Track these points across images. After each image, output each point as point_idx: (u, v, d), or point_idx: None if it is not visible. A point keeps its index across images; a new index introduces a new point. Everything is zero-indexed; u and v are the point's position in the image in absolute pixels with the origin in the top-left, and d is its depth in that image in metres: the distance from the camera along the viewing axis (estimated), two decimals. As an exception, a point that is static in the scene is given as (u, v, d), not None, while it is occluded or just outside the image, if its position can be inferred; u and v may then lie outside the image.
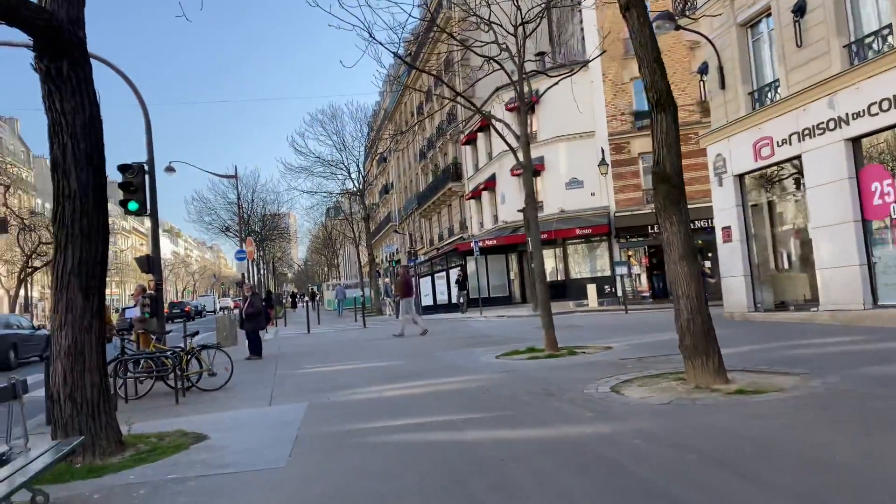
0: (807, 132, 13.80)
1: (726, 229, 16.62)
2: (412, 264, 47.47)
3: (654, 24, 13.60)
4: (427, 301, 31.75)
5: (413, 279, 26.43)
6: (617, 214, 29.29)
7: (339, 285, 57.26)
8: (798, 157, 14.22)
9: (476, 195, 36.39)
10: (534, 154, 31.96)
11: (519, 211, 29.89)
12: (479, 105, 36.00)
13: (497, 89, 31.43)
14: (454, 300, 32.41)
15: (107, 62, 13.55)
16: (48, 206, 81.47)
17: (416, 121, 26.65)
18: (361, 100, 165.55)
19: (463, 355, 13.68)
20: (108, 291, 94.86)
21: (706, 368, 8.06)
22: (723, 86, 16.44)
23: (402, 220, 59.23)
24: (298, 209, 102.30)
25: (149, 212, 13.54)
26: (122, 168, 13.27)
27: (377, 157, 63.64)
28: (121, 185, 13.27)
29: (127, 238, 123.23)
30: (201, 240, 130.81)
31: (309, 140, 76.19)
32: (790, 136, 14.27)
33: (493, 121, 14.22)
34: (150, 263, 13.33)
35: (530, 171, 13.71)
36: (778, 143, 14.68)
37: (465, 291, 32.08)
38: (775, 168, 15.53)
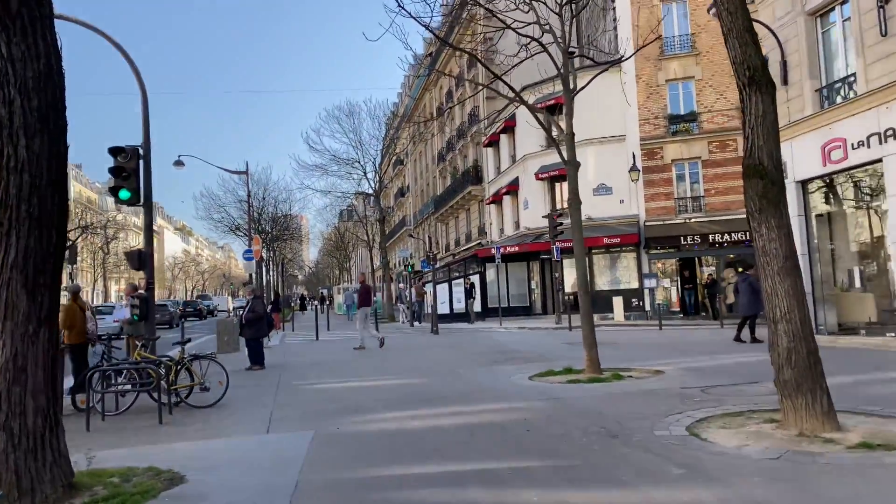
0: (890, 133, 12.12)
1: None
2: (428, 269, 45.91)
3: (710, 11, 12.02)
4: (443, 309, 30.13)
5: (371, 288, 24.75)
6: (647, 224, 27.60)
7: (348, 289, 55.89)
8: (878, 161, 12.54)
9: (497, 199, 34.79)
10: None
11: (544, 217, 28.29)
12: (505, 103, 34.51)
13: (524, 88, 29.80)
14: (474, 308, 30.78)
15: (101, 32, 12.11)
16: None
17: (448, 107, 24.78)
18: (381, 95, 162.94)
19: (490, 374, 12.08)
20: (113, 288, 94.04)
21: (811, 410, 6.41)
22: (785, 82, 14.77)
23: (417, 224, 57.69)
24: (311, 209, 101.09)
25: (142, 201, 12.05)
26: (114, 151, 11.79)
27: (394, 160, 62.26)
28: (112, 171, 11.80)
29: (138, 235, 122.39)
30: (213, 239, 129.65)
31: (324, 137, 74.34)
32: (868, 137, 12.60)
33: (533, 112, 12.62)
34: (142, 259, 11.84)
35: (575, 167, 12.11)
36: (853, 145, 13.01)
37: (472, 300, 30.47)
38: (847, 174, 13.85)
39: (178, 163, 30.83)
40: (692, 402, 8.21)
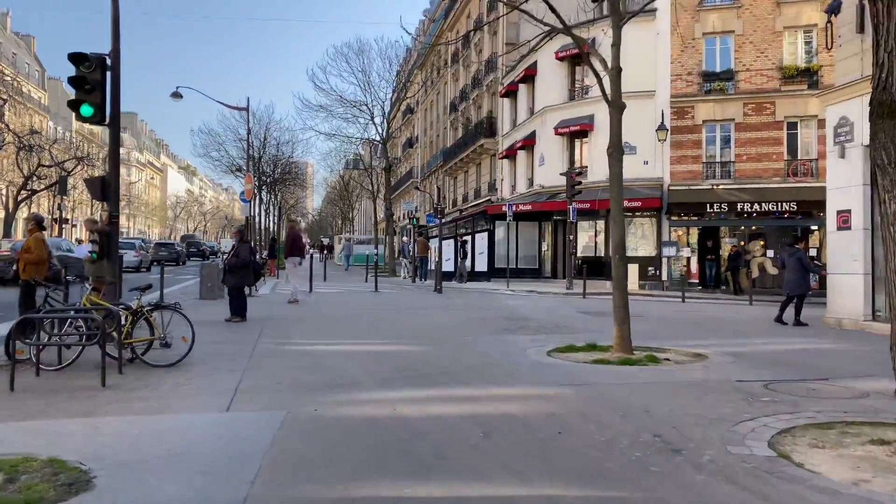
0: None
1: (843, 213, 13.11)
2: (434, 223, 44.18)
3: None
4: (448, 266, 28.45)
5: (303, 237, 22.88)
6: (671, 188, 25.72)
7: (350, 239, 54.33)
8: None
9: (510, 154, 32.82)
10: (583, 111, 28.37)
11: (561, 175, 26.42)
12: (524, 53, 32.27)
13: (547, 34, 27.59)
14: (478, 268, 29.14)
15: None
16: (60, 129, 78.68)
17: (476, 26, 22.49)
18: (394, 33, 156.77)
19: (502, 345, 10.45)
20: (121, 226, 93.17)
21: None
22: (861, 29, 12.76)
23: (424, 176, 55.72)
24: (315, 154, 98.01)
25: (108, 120, 10.26)
26: (76, 58, 9.96)
27: (403, 108, 59.88)
28: (72, 81, 9.99)
29: (141, 171, 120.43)
30: (218, 181, 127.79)
31: (331, 76, 70.76)
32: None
33: (574, 37, 10.68)
34: (105, 188, 10.12)
35: (620, 109, 10.29)
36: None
37: (464, 259, 28.86)
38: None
39: (176, 94, 28.84)
40: (760, 404, 6.56)
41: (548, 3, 10.07)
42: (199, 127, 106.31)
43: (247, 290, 16.11)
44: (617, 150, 10.28)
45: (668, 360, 9.32)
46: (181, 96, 28.73)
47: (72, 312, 8.43)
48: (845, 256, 12.97)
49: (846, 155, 13.01)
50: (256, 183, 35.21)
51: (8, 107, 43.04)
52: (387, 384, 7.39)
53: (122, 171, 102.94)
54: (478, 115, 39.67)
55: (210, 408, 6.41)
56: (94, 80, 10.03)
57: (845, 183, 13.10)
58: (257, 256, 17.81)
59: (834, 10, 13.36)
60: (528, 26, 33.19)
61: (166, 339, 8.53)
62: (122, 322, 8.30)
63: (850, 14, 12.92)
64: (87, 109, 10.05)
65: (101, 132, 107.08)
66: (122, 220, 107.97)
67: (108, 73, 10.23)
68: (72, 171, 54.72)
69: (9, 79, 46.25)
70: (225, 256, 14.36)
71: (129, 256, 32.34)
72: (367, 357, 9.29)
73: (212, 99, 34.55)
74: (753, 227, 25.76)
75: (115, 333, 8.12)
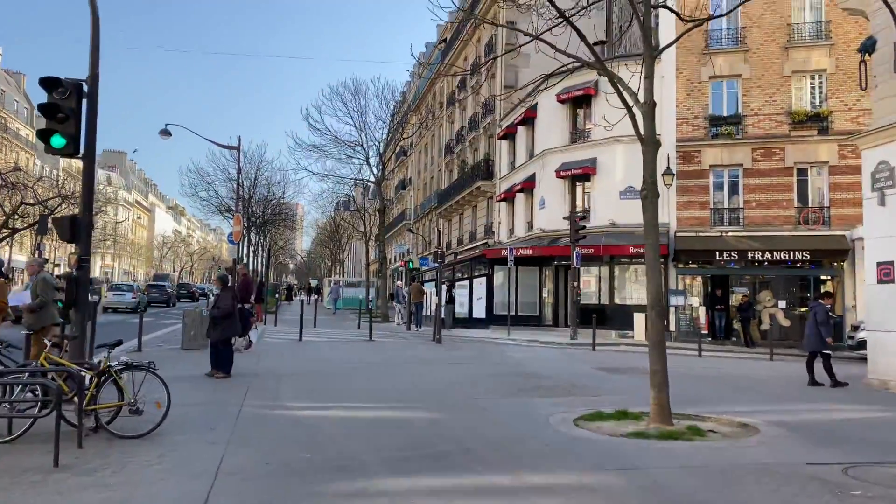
0: None
1: (885, 266, 12.11)
2: (428, 266, 43.07)
3: None
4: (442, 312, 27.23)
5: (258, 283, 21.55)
6: (678, 234, 24.79)
7: (336, 283, 53.21)
8: None
9: (509, 197, 31.92)
10: (585, 154, 27.57)
11: (564, 218, 25.51)
12: (523, 96, 31.64)
13: (548, 75, 26.98)
14: (475, 314, 27.94)
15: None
16: (47, 167, 77.58)
17: (487, 60, 21.74)
18: (390, 73, 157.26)
19: (521, 410, 9.25)
20: (97, 264, 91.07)
21: None
22: (900, 69, 11.98)
23: (417, 219, 54.82)
24: (306, 195, 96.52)
25: (82, 152, 9.16)
26: (48, 83, 8.92)
27: (397, 150, 59.28)
28: (43, 109, 8.93)
29: (128, 211, 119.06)
30: (206, 221, 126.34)
31: (326, 116, 69.91)
32: None
33: (607, 72, 9.76)
34: (75, 228, 8.98)
35: (654, 147, 9.33)
36: None
37: (452, 306, 27.78)
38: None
39: (165, 132, 27.87)
40: (854, 501, 5.40)
41: (580, 35, 9.17)
42: (187, 166, 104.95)
43: (242, 340, 14.88)
44: (651, 192, 9.27)
45: (713, 431, 8.18)
46: (170, 134, 27.78)
47: (14, 377, 7.19)
48: (889, 312, 11.92)
49: (886, 202, 12.08)
50: (245, 224, 34.09)
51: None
52: (399, 468, 6.17)
53: (109, 210, 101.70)
54: (474, 157, 38.95)
55: (183, 500, 5.17)
56: (67, 108, 8.97)
57: (886, 232, 12.14)
58: (247, 301, 16.49)
59: (868, 48, 12.58)
60: (526, 69, 32.68)
61: (137, 405, 7.29)
62: (86, 385, 7.07)
63: (887, 53, 12.15)
64: (58, 140, 8.98)
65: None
66: (108, 261, 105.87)
67: (85, 101, 9.20)
68: (55, 209, 53.43)
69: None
70: (208, 303, 13.12)
71: (128, 297, 35.09)
72: (370, 427, 8.07)
73: (202, 137, 33.99)
74: (761, 277, 24.84)
75: (76, 398, 6.89)
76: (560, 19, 9.77)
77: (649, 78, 9.48)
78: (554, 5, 9.51)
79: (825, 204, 23.90)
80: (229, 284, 11.70)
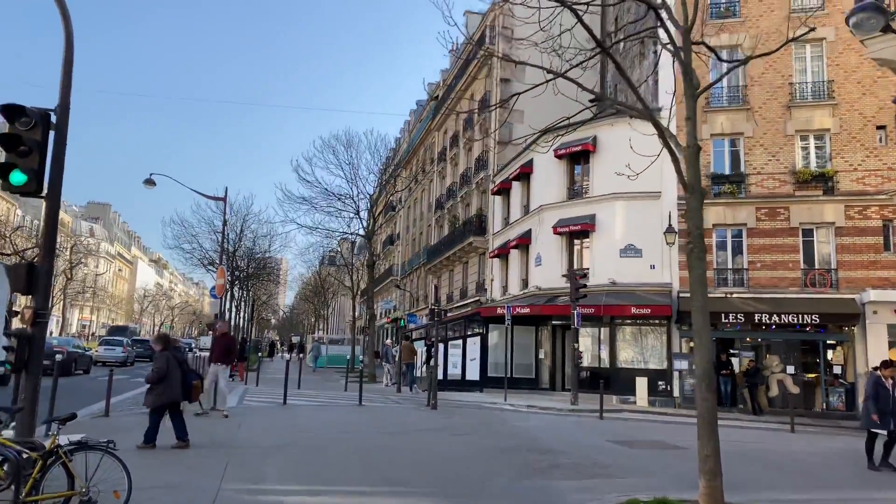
0: None
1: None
2: (416, 324, 41.70)
3: (851, 21, 8.50)
4: (440, 375, 25.84)
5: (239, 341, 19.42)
6: (681, 295, 23.78)
7: (317, 340, 51.75)
8: None
9: (503, 253, 30.95)
10: (584, 210, 26.72)
11: (564, 276, 24.52)
12: (518, 151, 31.05)
13: (545, 131, 26.37)
14: (469, 376, 26.53)
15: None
16: (28, 217, 76.01)
17: (494, 106, 20.82)
18: (381, 125, 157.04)
19: (546, 500, 7.96)
20: (76, 317, 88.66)
21: None
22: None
23: (405, 274, 53.70)
24: (292, 249, 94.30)
25: (45, 191, 8.03)
26: (9, 111, 7.84)
27: (384, 205, 58.57)
28: (2, 140, 7.82)
29: (110, 263, 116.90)
30: (189, 274, 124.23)
31: (317, 168, 68.56)
32: None
33: (657, 125, 8.89)
34: (32, 278, 7.77)
35: (700, 195, 8.41)
36: None
37: (432, 364, 26.32)
38: None
39: (150, 181, 26.80)
40: None
41: (631, 86, 8.33)
42: (171, 217, 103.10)
43: (200, 406, 13.45)
44: (698, 246, 8.30)
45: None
46: (154, 184, 26.71)
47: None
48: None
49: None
50: (229, 278, 32.77)
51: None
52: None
53: (90, 262, 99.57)
54: (466, 212, 38.17)
55: None
56: (31, 141, 7.90)
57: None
58: (230, 362, 15.09)
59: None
60: (520, 125, 32.16)
61: (90, 495, 5.98)
62: (27, 470, 5.77)
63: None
64: (18, 177, 7.86)
65: (73, 222, 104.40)
66: (86, 313, 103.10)
67: (52, 133, 8.12)
68: (33, 260, 51.76)
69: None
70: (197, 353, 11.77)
71: (118, 352, 36.74)
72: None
73: (187, 188, 33.19)
74: (768, 341, 23.82)
75: (13, 487, 5.59)
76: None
77: (692, 119, 8.62)
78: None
79: (832, 266, 23.12)
80: (168, 346, 10.24)
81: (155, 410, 9.78)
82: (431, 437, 12.90)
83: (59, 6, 8.05)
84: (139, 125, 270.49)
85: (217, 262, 35.59)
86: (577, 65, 9.50)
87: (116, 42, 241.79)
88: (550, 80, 9.41)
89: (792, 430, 16.38)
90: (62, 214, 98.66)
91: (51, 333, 55.32)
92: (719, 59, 9.83)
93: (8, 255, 44.77)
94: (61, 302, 76.65)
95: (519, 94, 9.91)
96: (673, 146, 8.43)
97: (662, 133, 8.58)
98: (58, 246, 66.92)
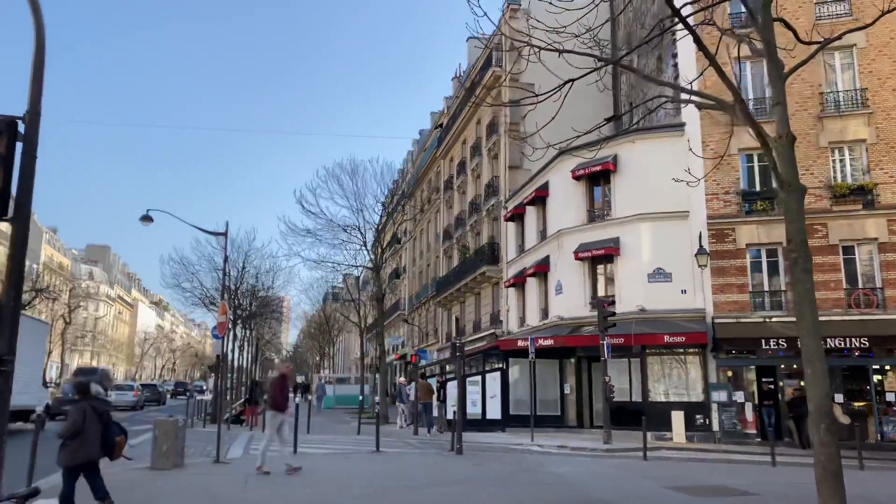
0: None
1: None
2: (427, 360, 40.02)
3: None
4: (451, 414, 24.18)
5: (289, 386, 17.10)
6: (716, 321, 22.25)
7: (322, 379, 50.00)
8: None
9: (519, 282, 29.44)
10: (607, 233, 25.18)
11: (591, 304, 23.03)
12: (532, 174, 29.71)
13: (561, 152, 25.13)
14: (489, 414, 24.82)
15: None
16: (28, 262, 74.87)
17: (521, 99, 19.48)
18: (388, 155, 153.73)
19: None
20: (75, 361, 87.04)
21: None
22: None
23: (413, 308, 52.12)
24: (296, 285, 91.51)
25: (10, 213, 6.61)
26: (-34, 118, 6.46)
27: (389, 238, 57.23)
28: (-43, 152, 6.42)
29: (110, 306, 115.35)
30: (190, 315, 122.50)
31: (321, 199, 66.96)
32: None
33: (752, 123, 7.58)
34: (-6, 318, 6.29)
35: (799, 192, 7.02)
36: None
37: (443, 402, 24.80)
38: None
39: (147, 218, 25.49)
40: None
41: (715, 66, 6.96)
42: (170, 255, 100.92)
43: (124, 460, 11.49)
44: (803, 256, 6.85)
45: None
46: (151, 220, 25.41)
47: None
48: None
49: None
50: (231, 316, 31.21)
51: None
52: None
53: (90, 305, 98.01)
54: (476, 241, 36.75)
55: None
56: (-6, 153, 6.49)
57: None
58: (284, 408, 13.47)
59: None
60: (531, 148, 30.91)
61: None
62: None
63: None
64: (-24, 196, 6.43)
65: (71, 265, 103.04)
66: (86, 358, 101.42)
67: (20, 145, 6.74)
68: (28, 304, 50.49)
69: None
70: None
71: (129, 396, 38.74)
72: None
73: (186, 223, 31.98)
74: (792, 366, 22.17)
75: None
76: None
77: (781, 104, 7.22)
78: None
79: (877, 285, 21.65)
80: (98, 392, 8.52)
81: (69, 470, 7.99)
82: (465, 489, 11.25)
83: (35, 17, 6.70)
84: (134, 157, 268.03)
85: (216, 300, 34.05)
86: (590, 71, 8.45)
87: (110, 74, 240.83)
88: (567, 82, 8.25)
89: (861, 467, 14.68)
90: (60, 258, 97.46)
91: (51, 381, 53.97)
92: (798, 39, 8.43)
93: None
94: (60, 346, 74.97)
95: (539, 95, 8.55)
96: (765, 137, 7.00)
97: (753, 123, 7.17)
98: (55, 289, 65.57)
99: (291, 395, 31.74)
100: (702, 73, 11.20)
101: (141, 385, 48.76)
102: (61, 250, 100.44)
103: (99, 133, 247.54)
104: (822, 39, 8.52)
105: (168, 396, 58.20)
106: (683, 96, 10.61)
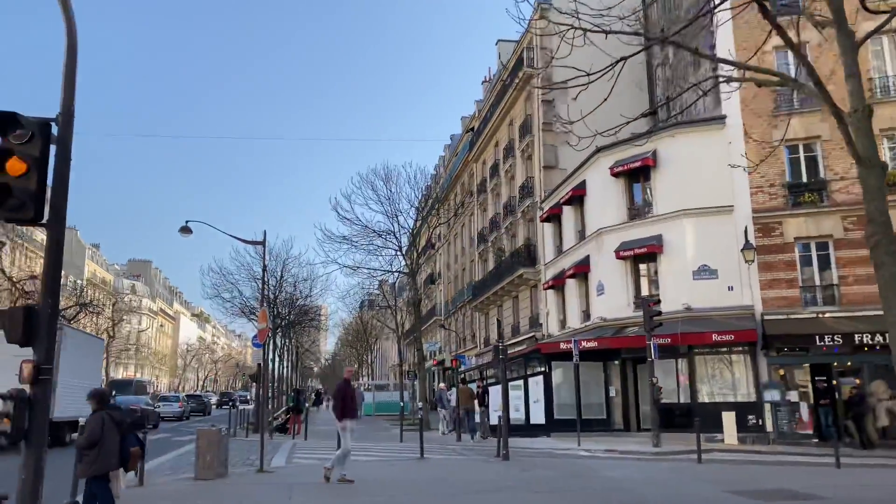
0: None
1: None
2: (467, 366, 39.59)
3: None
4: (494, 419, 23.74)
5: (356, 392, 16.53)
6: (766, 318, 21.48)
7: (358, 386, 50.00)
8: None
9: (558, 283, 28.91)
10: (648, 231, 24.52)
11: (636, 303, 22.46)
12: (568, 173, 29.20)
13: (599, 150, 24.70)
14: (533, 419, 24.36)
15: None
16: (72, 276, 76.29)
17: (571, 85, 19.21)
18: (421, 160, 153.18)
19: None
20: (119, 374, 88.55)
21: None
22: None
23: (449, 314, 51.79)
24: (334, 292, 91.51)
25: (45, 218, 6.46)
26: (1, 121, 6.32)
27: (423, 244, 57.05)
28: (-8, 157, 6.29)
29: (152, 319, 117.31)
30: (230, 326, 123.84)
31: (356, 205, 66.97)
32: None
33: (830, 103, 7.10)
34: (30, 325, 6.13)
35: (880, 168, 6.58)
36: None
37: (486, 408, 24.30)
38: None
39: (186, 229, 25.60)
40: None
41: (809, 67, 6.55)
42: (209, 265, 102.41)
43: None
44: (886, 237, 6.39)
45: None
46: (191, 231, 25.49)
47: None
48: None
49: None
50: (271, 324, 31.21)
51: (6, 251, 40.22)
52: None
53: (133, 319, 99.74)
54: (512, 243, 36.31)
55: None
56: (28, 156, 6.34)
57: None
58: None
59: None
60: (566, 148, 30.37)
61: None
62: None
63: None
64: (13, 202, 6.28)
65: (114, 280, 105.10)
66: (130, 371, 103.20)
67: (54, 147, 6.59)
68: (73, 318, 51.39)
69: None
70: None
71: (175, 407, 41.39)
72: None
73: (224, 233, 32.30)
74: (865, 364, 21.24)
75: None
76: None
77: (854, 76, 6.80)
78: None
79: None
80: (109, 405, 8.22)
81: (93, 480, 7.72)
82: (516, 497, 10.86)
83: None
84: (171, 170, 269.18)
85: (255, 309, 34.10)
86: (626, 57, 8.23)
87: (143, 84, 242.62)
88: (620, 61, 8.00)
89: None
90: (103, 273, 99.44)
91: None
92: (866, 8, 7.94)
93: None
94: (105, 360, 76.32)
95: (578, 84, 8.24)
96: (839, 111, 6.54)
97: (826, 96, 6.77)
98: (99, 304, 66.72)
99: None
100: (756, 53, 10.60)
101: (186, 396, 50.69)
102: (104, 266, 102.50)
103: (135, 146, 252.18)
104: (891, 9, 8.00)
105: (213, 407, 59.42)
106: (740, 74, 10.14)
